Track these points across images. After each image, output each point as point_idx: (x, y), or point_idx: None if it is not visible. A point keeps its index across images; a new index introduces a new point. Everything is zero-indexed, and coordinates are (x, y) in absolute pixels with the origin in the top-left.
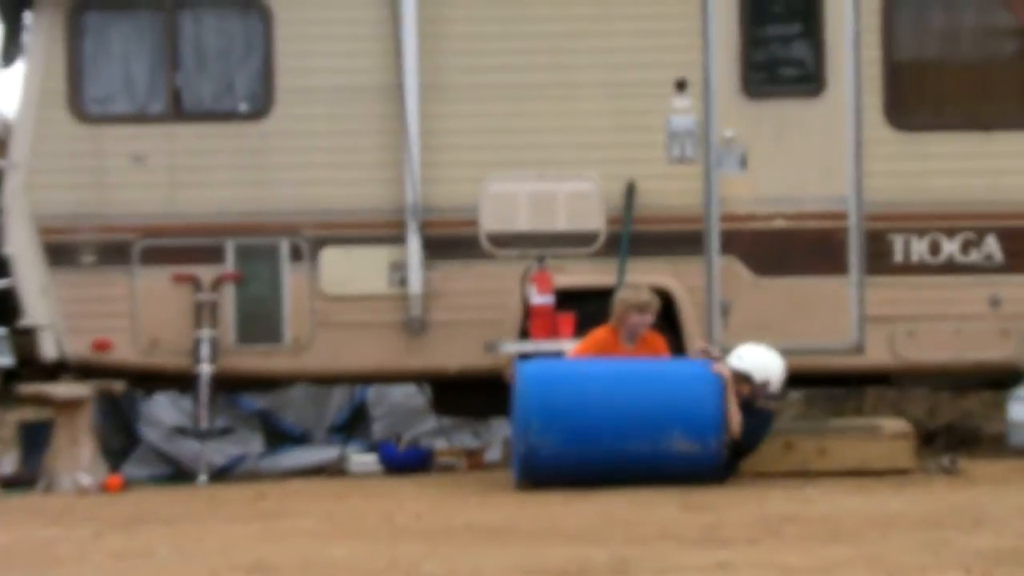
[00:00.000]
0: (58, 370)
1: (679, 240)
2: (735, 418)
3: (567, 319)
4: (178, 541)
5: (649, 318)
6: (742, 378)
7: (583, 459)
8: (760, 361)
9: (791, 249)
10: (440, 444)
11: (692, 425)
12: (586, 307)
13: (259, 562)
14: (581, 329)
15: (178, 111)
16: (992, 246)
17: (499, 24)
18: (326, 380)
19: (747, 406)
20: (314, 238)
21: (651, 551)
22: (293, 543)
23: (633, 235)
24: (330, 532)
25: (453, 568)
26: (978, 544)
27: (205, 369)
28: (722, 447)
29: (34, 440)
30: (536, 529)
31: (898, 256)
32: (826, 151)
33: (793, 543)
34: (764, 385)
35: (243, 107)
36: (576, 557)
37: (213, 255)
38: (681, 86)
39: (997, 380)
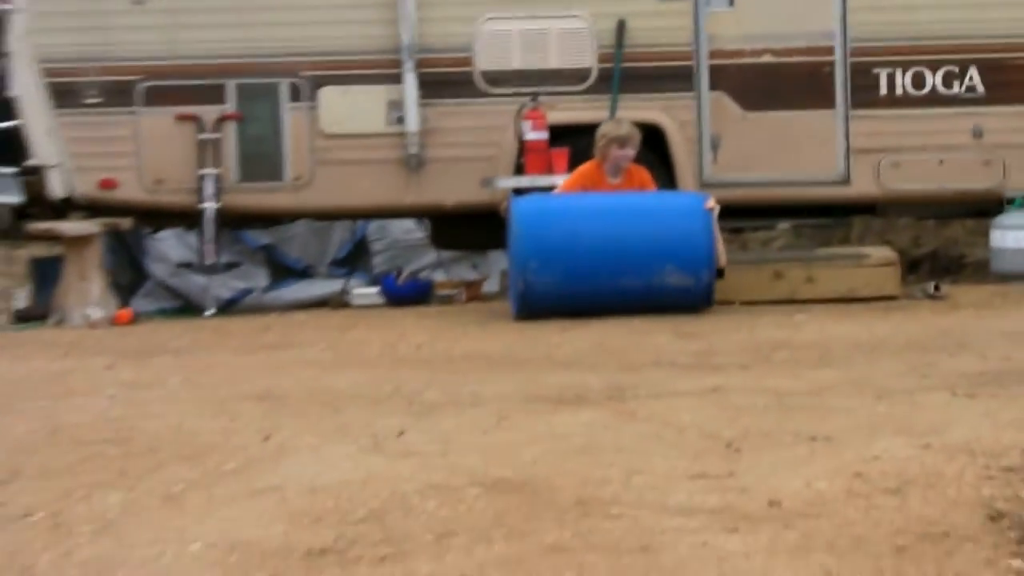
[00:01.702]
0: (66, 208)
1: (669, 77)
2: (721, 248)
3: (561, 154)
4: (187, 372)
5: (630, 151)
6: None
7: (579, 294)
8: None
9: (779, 84)
10: (439, 277)
11: (685, 259)
12: (579, 143)
13: (266, 391)
14: (574, 164)
15: None
16: (974, 78)
17: None
18: (327, 216)
19: None
20: (313, 78)
21: (645, 377)
22: (298, 373)
23: (624, 72)
24: (334, 362)
25: (454, 395)
26: (962, 366)
27: (209, 206)
28: (713, 279)
29: (45, 276)
30: (533, 357)
31: (883, 90)
32: None
33: (783, 368)
34: None
35: None
36: (573, 384)
37: (214, 95)
38: None
39: (980, 209)
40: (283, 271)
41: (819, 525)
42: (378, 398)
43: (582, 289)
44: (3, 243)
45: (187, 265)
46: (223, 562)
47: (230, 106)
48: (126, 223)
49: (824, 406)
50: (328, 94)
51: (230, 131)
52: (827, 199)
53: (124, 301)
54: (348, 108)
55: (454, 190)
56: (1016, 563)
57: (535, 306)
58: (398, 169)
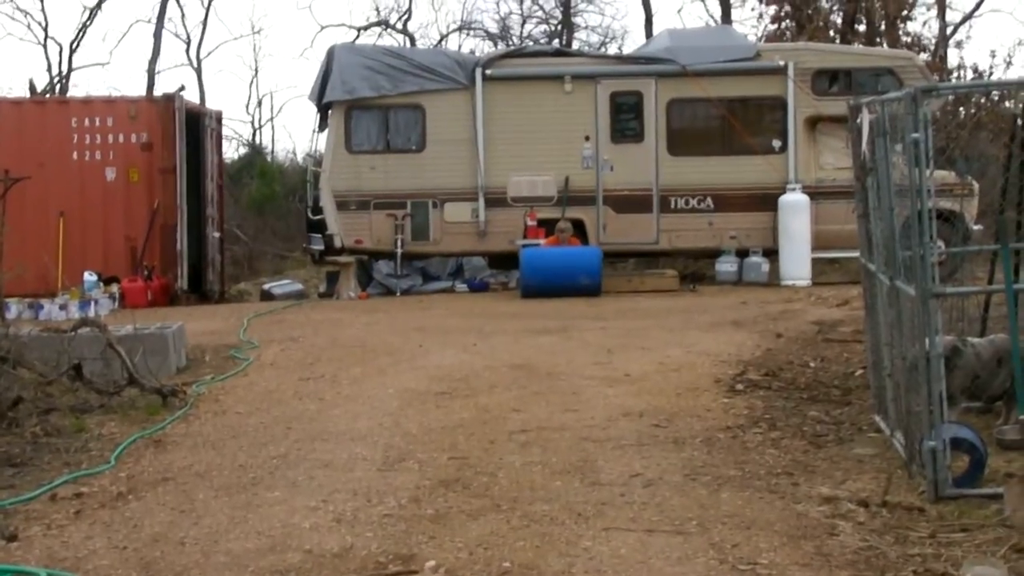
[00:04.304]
0: (341, 251)
1: (586, 200)
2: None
3: (541, 231)
4: (388, 315)
5: (569, 231)
6: None
7: (546, 287)
8: None
9: (632, 202)
10: (492, 280)
11: (589, 272)
12: (550, 227)
13: (419, 326)
14: (547, 235)
15: None
16: (709, 200)
17: None
18: (447, 254)
19: None
20: (442, 199)
21: (575, 323)
22: (435, 318)
23: (568, 197)
24: (448, 314)
25: (495, 329)
26: (704, 319)
27: (399, 251)
28: (601, 281)
29: (332, 278)
30: (528, 313)
31: (672, 205)
32: None
33: (630, 318)
34: None
35: None
36: (545, 327)
37: (402, 205)
38: None
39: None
40: (428, 277)
41: (645, 384)
42: (465, 329)
43: (547, 285)
44: (317, 264)
45: (393, 275)
46: (401, 396)
47: (407, 210)
48: (364, 258)
49: (647, 335)
50: (448, 205)
51: (408, 220)
52: (649, 251)
53: (363, 289)
54: (456, 211)
55: (498, 245)
56: (725, 400)
57: (529, 292)
58: (476, 236)
